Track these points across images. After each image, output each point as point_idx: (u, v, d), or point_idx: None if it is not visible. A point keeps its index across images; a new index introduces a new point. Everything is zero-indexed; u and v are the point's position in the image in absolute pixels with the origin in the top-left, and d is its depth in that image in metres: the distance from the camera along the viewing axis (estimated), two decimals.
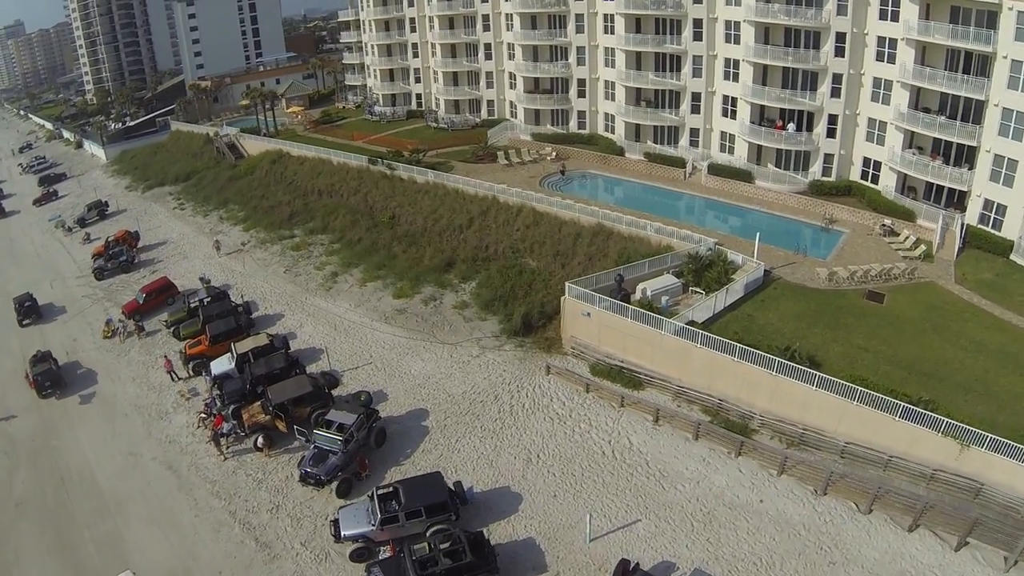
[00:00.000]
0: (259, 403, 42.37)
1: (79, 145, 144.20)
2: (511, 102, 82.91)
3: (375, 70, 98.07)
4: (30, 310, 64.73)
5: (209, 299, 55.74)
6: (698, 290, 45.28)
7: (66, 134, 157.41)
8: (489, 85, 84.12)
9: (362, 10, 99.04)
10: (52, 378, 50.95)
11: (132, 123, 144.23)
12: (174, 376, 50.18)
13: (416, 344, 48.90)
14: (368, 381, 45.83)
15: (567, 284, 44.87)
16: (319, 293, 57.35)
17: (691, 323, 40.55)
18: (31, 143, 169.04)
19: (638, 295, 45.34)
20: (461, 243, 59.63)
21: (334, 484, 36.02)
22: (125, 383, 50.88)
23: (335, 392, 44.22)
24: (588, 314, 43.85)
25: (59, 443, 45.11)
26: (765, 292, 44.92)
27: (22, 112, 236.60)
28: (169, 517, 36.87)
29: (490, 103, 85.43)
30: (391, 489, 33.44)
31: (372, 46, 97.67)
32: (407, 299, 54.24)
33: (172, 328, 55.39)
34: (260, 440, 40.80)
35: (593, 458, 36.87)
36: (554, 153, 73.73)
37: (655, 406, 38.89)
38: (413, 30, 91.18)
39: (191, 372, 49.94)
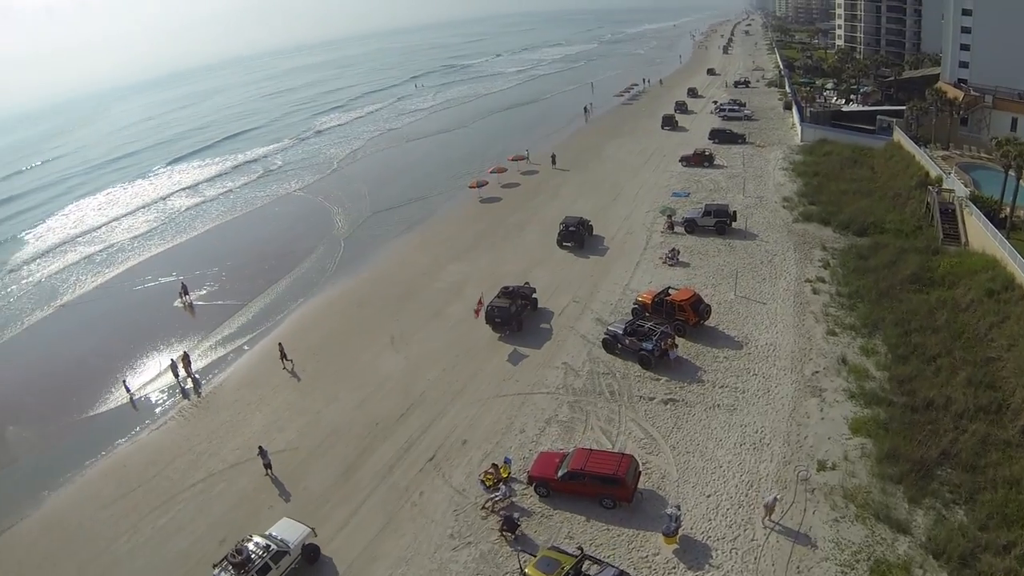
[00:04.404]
0: None
1: (787, 107, 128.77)
2: None
3: None
4: (574, 235, 70.26)
5: None
6: None
7: (788, 88, 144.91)
8: None
9: None
10: (505, 317, 55.02)
11: (848, 108, 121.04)
12: None
13: None
14: None
15: None
16: None
17: None
18: (748, 81, 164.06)
19: None
20: None
21: None
22: None
23: None
24: None
25: None
26: None
27: (772, 45, 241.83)
28: None
29: None
30: None
31: None
32: None
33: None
34: None
35: None
36: None
37: None
38: None
39: None
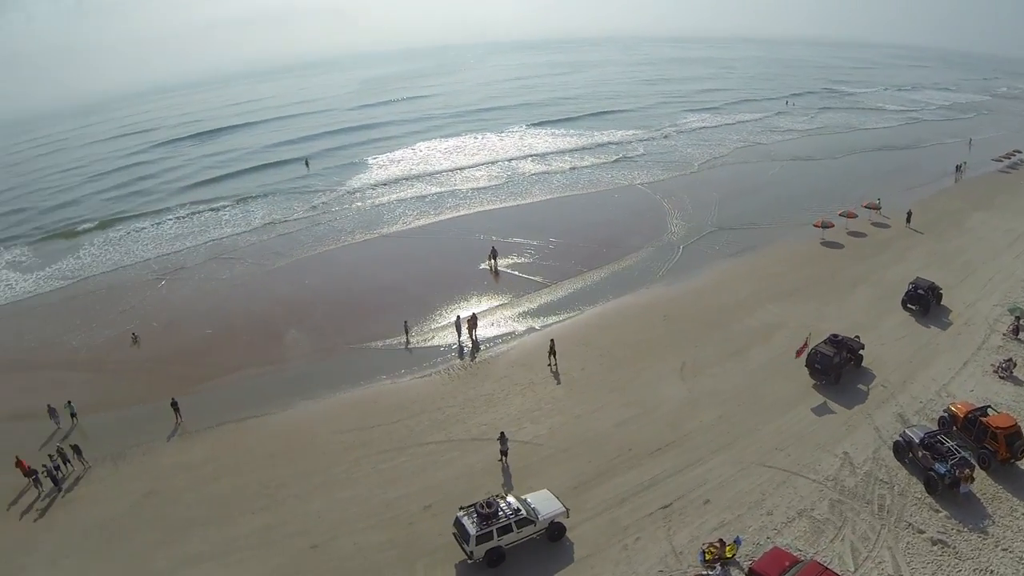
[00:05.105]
0: None
1: None
2: None
3: None
4: (921, 299, 66.76)
5: None
6: None
7: None
8: None
9: None
10: (826, 365, 53.08)
11: None
12: None
13: None
14: None
15: None
16: None
17: None
18: None
19: None
20: None
21: None
22: None
23: None
24: None
25: None
26: None
27: None
28: None
29: None
30: None
31: None
32: None
33: None
34: None
35: None
36: None
37: None
38: None
39: None
